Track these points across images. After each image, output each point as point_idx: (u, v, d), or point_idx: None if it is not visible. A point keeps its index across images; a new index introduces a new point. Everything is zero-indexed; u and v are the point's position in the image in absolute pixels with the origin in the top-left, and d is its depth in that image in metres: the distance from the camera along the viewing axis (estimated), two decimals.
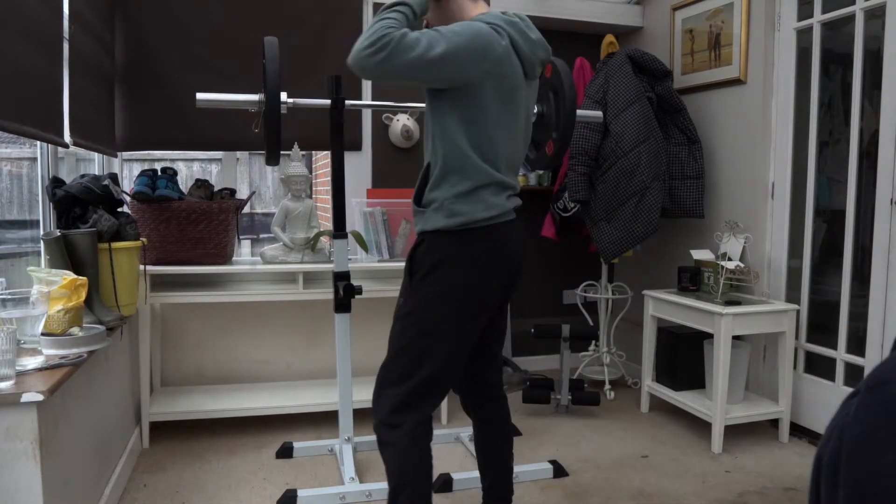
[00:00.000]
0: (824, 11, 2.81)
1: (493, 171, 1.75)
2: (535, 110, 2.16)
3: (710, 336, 2.87)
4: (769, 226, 3.06)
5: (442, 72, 1.66)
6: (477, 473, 2.45)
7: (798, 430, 2.92)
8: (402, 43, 1.60)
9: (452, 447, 2.76)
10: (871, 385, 0.38)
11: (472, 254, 1.75)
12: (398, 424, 1.78)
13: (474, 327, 1.81)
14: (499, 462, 2.06)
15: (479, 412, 2.04)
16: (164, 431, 2.87)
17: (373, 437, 2.83)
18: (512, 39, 1.72)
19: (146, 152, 3.32)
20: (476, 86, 1.69)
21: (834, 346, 2.79)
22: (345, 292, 2.38)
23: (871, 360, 2.61)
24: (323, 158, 5.80)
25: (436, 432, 1.91)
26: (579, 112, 2.50)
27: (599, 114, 2.84)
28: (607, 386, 3.51)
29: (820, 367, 2.88)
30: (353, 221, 3.05)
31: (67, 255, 2.04)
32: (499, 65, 1.70)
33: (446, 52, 1.64)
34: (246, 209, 3.41)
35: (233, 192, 3.01)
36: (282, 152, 2.21)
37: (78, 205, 2.24)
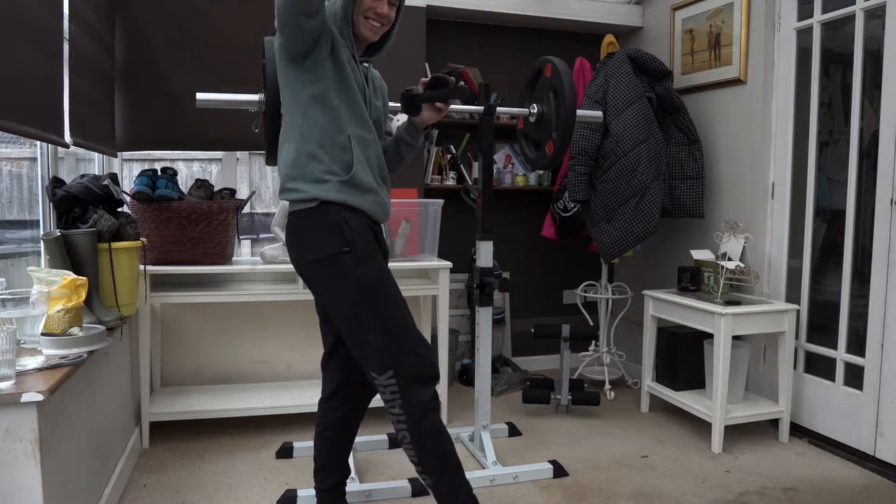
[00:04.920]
0: (824, 11, 2.81)
1: None
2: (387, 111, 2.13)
3: (710, 336, 2.87)
4: (769, 226, 3.06)
5: None
6: (477, 473, 2.46)
7: (798, 430, 2.92)
8: None
9: None
10: None
11: None
12: None
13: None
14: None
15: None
16: (164, 431, 2.87)
17: (372, 437, 2.84)
18: None
19: (146, 152, 3.32)
20: None
21: (834, 346, 2.79)
22: None
23: (871, 360, 2.61)
24: None
25: None
26: (579, 112, 2.51)
27: (599, 114, 2.84)
28: (607, 386, 3.52)
29: (820, 367, 2.88)
30: None
31: (67, 255, 2.04)
32: None
33: None
34: (246, 209, 3.41)
35: (233, 192, 3.01)
36: None
37: (78, 205, 2.24)
